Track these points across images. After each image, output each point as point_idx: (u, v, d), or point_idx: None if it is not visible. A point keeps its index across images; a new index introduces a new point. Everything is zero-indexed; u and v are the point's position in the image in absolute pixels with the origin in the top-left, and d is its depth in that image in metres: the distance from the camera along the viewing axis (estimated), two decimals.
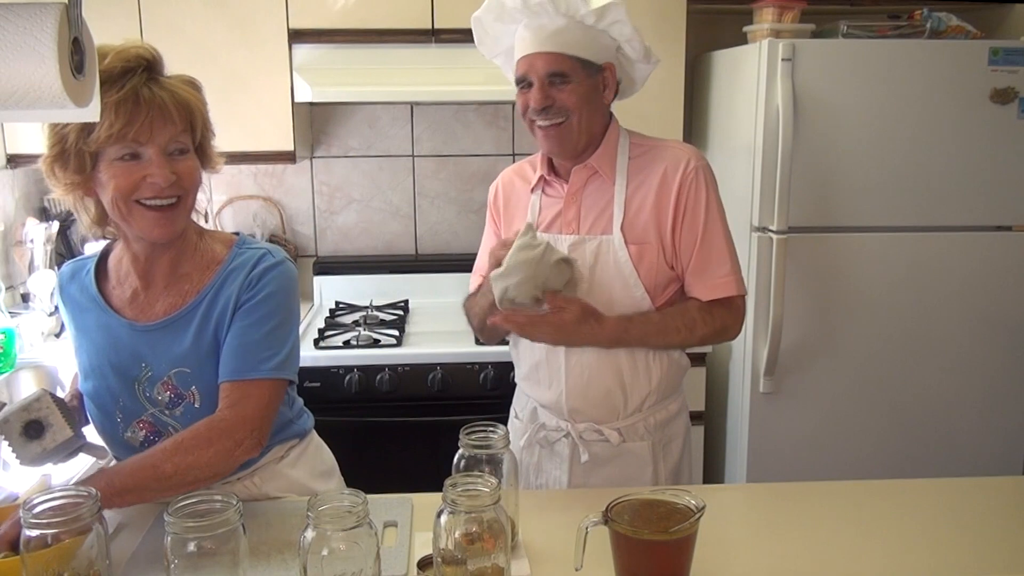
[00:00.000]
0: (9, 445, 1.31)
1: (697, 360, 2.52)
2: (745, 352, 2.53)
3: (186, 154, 1.36)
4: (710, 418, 2.74)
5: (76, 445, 1.39)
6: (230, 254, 1.44)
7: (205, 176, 1.45)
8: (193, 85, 1.40)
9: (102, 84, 1.28)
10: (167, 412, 1.40)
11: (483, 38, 1.69)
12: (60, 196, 1.37)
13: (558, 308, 1.54)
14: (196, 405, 1.39)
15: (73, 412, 1.43)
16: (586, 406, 1.67)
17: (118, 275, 1.45)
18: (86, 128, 1.27)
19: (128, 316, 1.42)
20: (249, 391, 1.36)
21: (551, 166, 1.70)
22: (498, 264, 1.55)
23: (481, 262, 1.83)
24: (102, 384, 1.41)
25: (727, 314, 1.64)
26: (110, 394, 1.41)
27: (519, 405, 1.82)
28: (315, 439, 1.61)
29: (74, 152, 1.30)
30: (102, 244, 1.52)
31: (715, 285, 1.62)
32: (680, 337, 1.62)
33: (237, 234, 1.51)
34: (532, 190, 1.72)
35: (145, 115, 1.29)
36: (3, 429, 1.30)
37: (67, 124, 1.29)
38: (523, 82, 1.60)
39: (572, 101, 1.57)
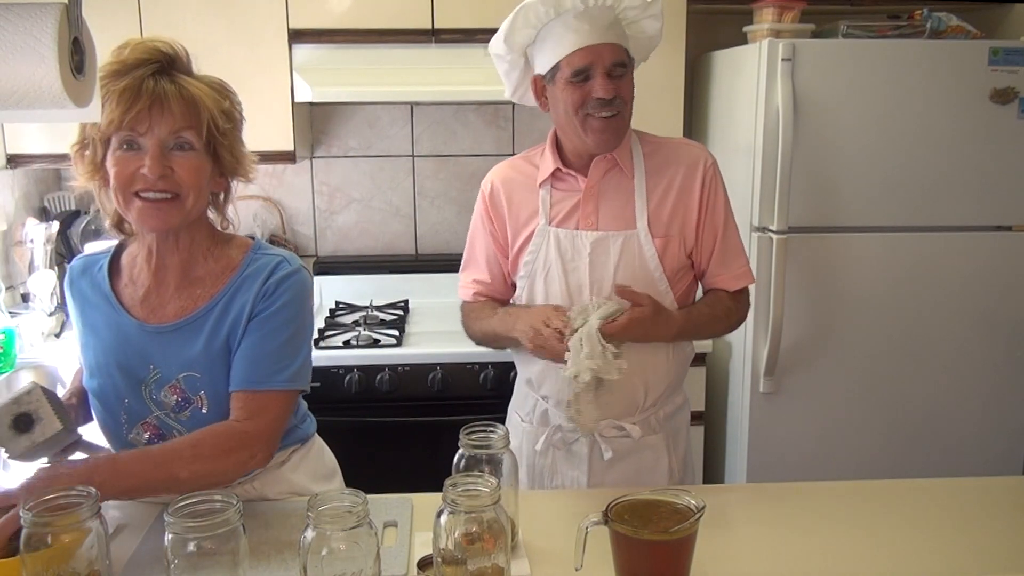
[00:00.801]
0: None
1: (697, 360, 2.51)
2: (745, 352, 2.53)
3: (188, 151, 1.33)
4: (710, 418, 2.74)
5: (68, 441, 1.37)
6: (245, 259, 1.42)
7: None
8: (216, 87, 1.38)
9: (116, 74, 1.29)
10: (172, 416, 1.39)
11: (518, 29, 1.61)
12: (83, 185, 1.38)
13: (635, 306, 1.53)
14: (203, 410, 1.38)
15: (68, 409, 1.42)
16: (608, 401, 1.64)
17: (131, 273, 1.43)
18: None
19: (138, 316, 1.40)
20: (265, 403, 1.36)
21: (562, 159, 1.68)
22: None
23: (472, 253, 1.78)
24: (108, 383, 1.40)
25: (745, 301, 1.75)
26: (116, 394, 1.40)
27: (523, 407, 1.79)
28: (317, 442, 1.60)
29: (90, 140, 1.32)
30: (104, 243, 1.52)
31: (738, 275, 1.71)
32: (721, 326, 1.73)
33: (252, 238, 1.49)
34: (541, 185, 1.69)
35: (144, 105, 1.28)
36: None
37: None
38: (581, 74, 1.56)
39: (629, 93, 1.60)
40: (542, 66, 1.61)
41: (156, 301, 1.41)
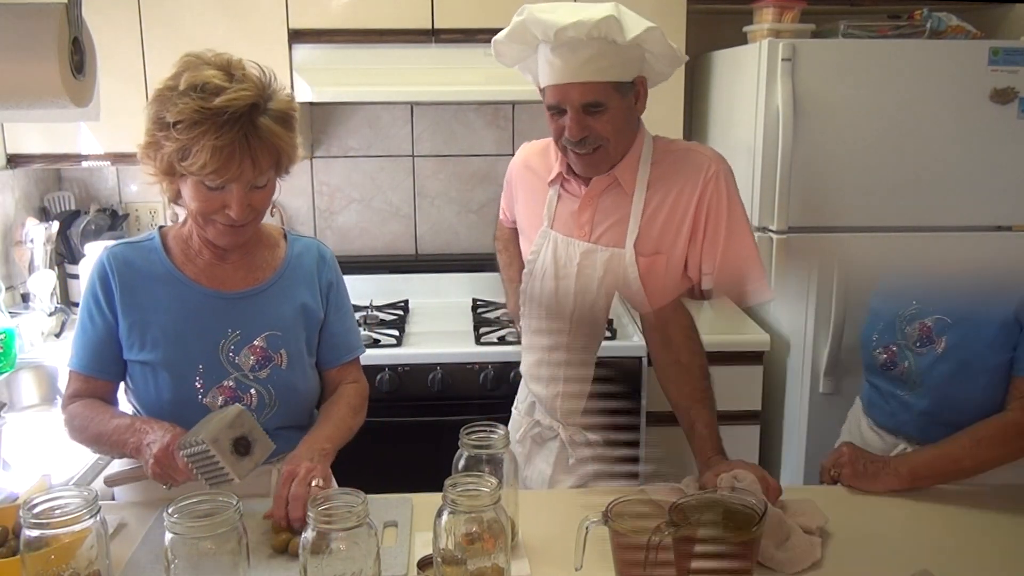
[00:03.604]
0: (220, 463, 1.29)
1: (754, 359, 2.50)
2: (804, 350, 2.48)
3: (265, 185, 1.43)
4: (766, 418, 2.66)
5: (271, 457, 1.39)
6: (287, 236, 1.60)
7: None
8: (287, 122, 1.43)
9: (206, 120, 1.32)
10: (251, 375, 1.48)
11: (503, 54, 1.63)
12: (153, 181, 1.46)
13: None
14: (283, 367, 1.51)
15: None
16: (578, 412, 1.72)
17: (186, 252, 1.52)
18: (181, 150, 1.34)
19: (210, 286, 1.50)
20: (359, 363, 1.66)
21: (569, 166, 1.66)
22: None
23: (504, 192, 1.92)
24: (179, 353, 1.46)
25: None
26: (190, 360, 1.46)
27: (519, 396, 1.88)
28: None
29: (167, 158, 1.37)
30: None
31: (752, 290, 1.62)
32: None
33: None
34: (551, 183, 1.70)
35: (237, 164, 1.35)
36: (215, 448, 1.29)
37: (165, 132, 1.35)
38: (555, 109, 1.54)
39: (608, 130, 1.52)
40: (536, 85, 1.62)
41: (222, 274, 1.51)
